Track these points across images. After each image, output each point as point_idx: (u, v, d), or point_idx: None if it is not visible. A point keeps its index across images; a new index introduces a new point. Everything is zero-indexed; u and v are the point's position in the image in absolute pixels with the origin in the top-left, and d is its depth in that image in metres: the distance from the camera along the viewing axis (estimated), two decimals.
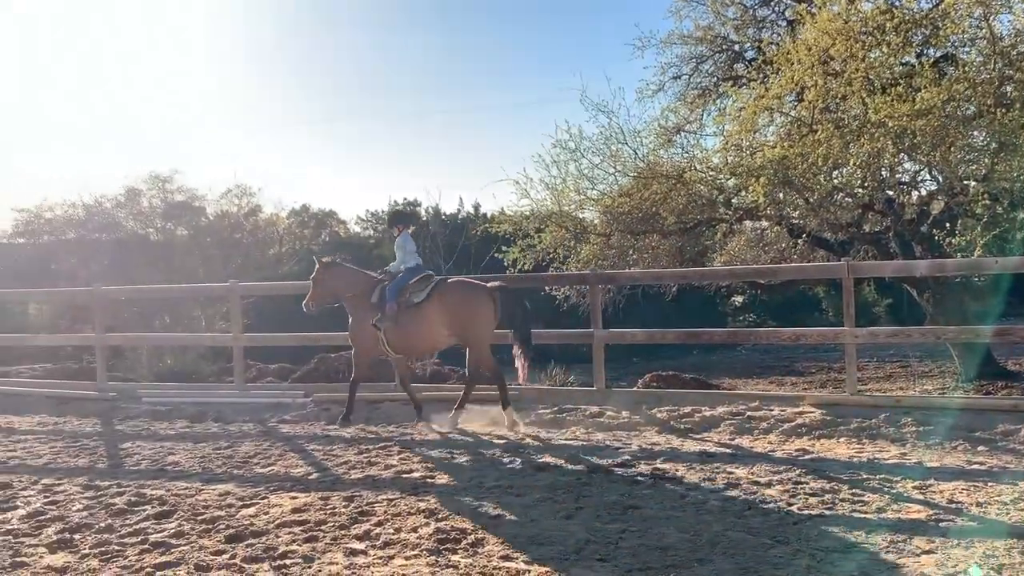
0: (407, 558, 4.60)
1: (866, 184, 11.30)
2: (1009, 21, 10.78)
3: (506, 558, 4.54)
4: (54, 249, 22.42)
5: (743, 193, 12.03)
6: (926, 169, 11.53)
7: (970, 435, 7.09)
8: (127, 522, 5.49)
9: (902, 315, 22.14)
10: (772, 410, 8.16)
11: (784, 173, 10.94)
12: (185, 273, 19.68)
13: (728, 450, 7.00)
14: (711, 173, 12.53)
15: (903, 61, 11.01)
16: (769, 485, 5.82)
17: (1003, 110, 9.74)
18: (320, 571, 4.46)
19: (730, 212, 12.60)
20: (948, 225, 11.07)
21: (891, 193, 12.03)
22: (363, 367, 8.79)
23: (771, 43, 12.54)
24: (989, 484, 5.67)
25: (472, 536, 4.91)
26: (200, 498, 6.01)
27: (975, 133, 10.45)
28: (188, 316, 19.94)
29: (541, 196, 13.67)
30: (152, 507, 5.80)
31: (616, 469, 6.40)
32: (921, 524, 4.88)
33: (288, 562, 4.61)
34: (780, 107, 11.87)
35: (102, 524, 5.45)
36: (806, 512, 5.19)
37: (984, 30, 10.52)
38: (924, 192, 12.23)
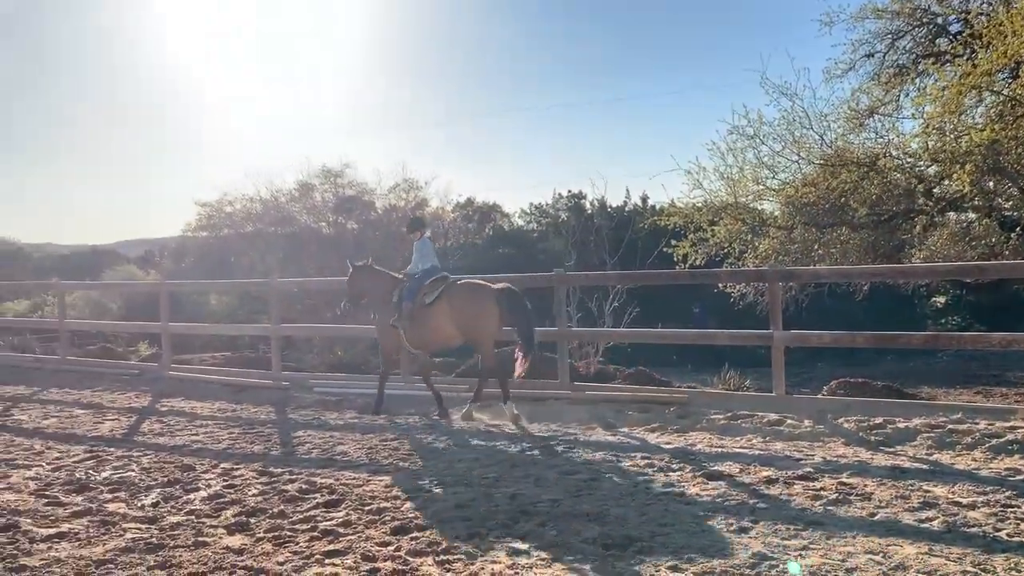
0: (570, 562, 4.64)
1: None
2: None
3: (675, 569, 4.47)
4: (233, 242, 24.19)
5: (946, 182, 11.24)
6: None
7: None
8: (298, 509, 5.86)
9: None
10: (978, 424, 7.56)
11: (995, 159, 10.12)
12: None
13: (925, 466, 6.56)
14: (909, 160, 11.78)
15: None
16: (973, 507, 5.40)
17: None
18: (483, 569, 4.58)
19: (931, 203, 11.79)
20: None
21: None
22: (388, 361, 9.94)
23: (980, 14, 11.62)
24: None
25: (638, 544, 4.87)
26: (367, 489, 6.31)
27: None
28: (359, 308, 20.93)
29: (715, 186, 13.37)
30: (321, 495, 6.16)
31: (796, 482, 6.16)
32: None
33: (451, 557, 4.76)
34: (990, 85, 10.97)
35: (275, 509, 5.84)
36: (1016, 539, 4.78)
37: None
38: None
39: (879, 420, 7.92)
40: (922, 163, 11.60)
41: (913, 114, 12.64)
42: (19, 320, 21.04)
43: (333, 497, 6.10)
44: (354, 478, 6.66)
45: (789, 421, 8.18)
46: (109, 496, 6.35)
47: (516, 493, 6.04)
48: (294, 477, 6.74)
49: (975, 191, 10.52)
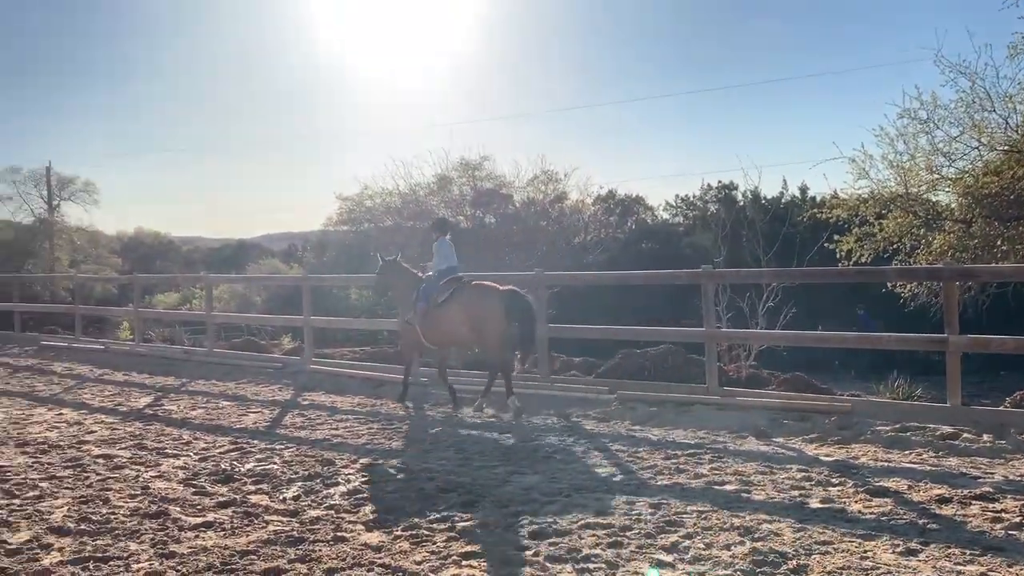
0: None
1: None
2: None
3: None
4: (373, 236, 25.07)
5: None
6: None
7: None
8: (435, 508, 6.01)
9: None
10: None
11: None
12: (493, 260, 21.01)
13: None
14: None
15: None
16: None
17: None
18: None
19: None
20: None
21: None
22: (408, 355, 10.90)
23: None
24: None
25: (794, 562, 4.72)
26: (504, 490, 6.40)
27: None
28: None
29: (883, 176, 12.78)
30: (459, 495, 6.30)
31: (973, 502, 5.80)
32: None
33: (591, 566, 4.77)
34: None
35: (413, 508, 6.02)
36: None
37: None
38: None
39: None
40: None
41: None
42: (169, 312, 22.57)
43: (470, 498, 6.22)
44: (491, 478, 6.77)
45: (965, 435, 7.72)
46: (252, 488, 6.72)
47: (660, 503, 5.97)
48: (431, 475, 6.92)
49: None
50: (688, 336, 11.14)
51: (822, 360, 19.50)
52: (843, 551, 4.90)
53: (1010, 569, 4.55)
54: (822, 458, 7.27)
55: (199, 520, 5.86)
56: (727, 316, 12.74)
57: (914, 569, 4.58)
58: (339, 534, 5.50)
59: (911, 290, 13.23)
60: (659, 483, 6.57)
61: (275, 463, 7.54)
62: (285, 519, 5.87)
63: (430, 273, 10.37)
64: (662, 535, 5.27)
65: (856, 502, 5.91)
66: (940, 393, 9.17)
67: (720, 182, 33.33)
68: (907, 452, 7.43)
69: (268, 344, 17.24)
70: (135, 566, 4.98)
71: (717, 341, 10.37)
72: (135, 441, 8.65)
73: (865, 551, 4.89)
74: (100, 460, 7.80)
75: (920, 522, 5.40)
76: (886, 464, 6.99)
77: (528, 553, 5.01)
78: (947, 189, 12.61)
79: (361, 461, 7.53)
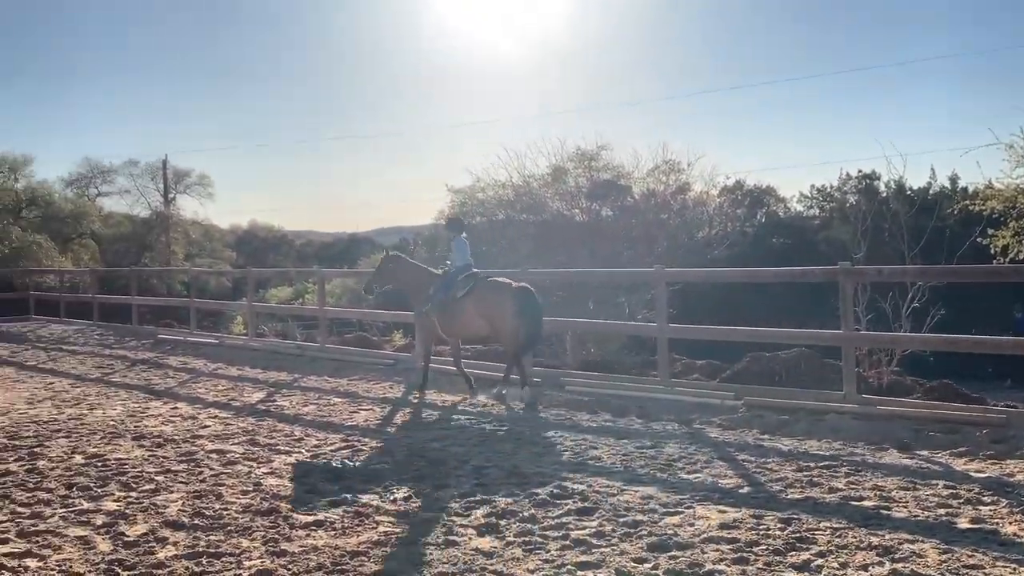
0: None
1: None
2: None
3: None
4: (484, 230, 25.27)
5: None
6: None
7: None
8: (549, 514, 6.03)
9: None
10: None
11: None
12: (609, 256, 20.90)
13: None
14: None
15: None
16: None
17: None
18: None
19: None
20: None
21: None
22: (426, 347, 12.03)
23: None
24: None
25: None
26: (622, 499, 6.37)
27: None
28: (612, 302, 21.16)
29: None
30: (574, 502, 6.30)
31: None
32: None
33: None
34: None
35: (526, 513, 6.06)
36: None
37: None
38: None
39: None
40: None
41: None
42: (282, 307, 23.38)
43: (586, 505, 6.22)
44: (608, 486, 6.74)
45: None
46: (363, 487, 6.90)
47: (791, 517, 5.83)
48: (545, 480, 6.94)
49: None
50: (823, 339, 10.80)
51: (973, 367, 18.62)
52: None
53: None
54: (972, 474, 6.94)
55: (310, 518, 6.06)
56: (867, 318, 12.28)
57: None
58: (450, 538, 5.58)
59: None
60: (789, 497, 6.41)
61: (386, 462, 7.72)
62: (395, 520, 6.00)
63: (452, 270, 11.52)
64: (792, 552, 5.14)
65: (1010, 523, 5.61)
66: None
67: (860, 171, 32.29)
68: None
69: (379, 340, 17.66)
70: (247, 563, 5.19)
71: (856, 345, 10.02)
72: (248, 437, 9.01)
73: None
74: (214, 455, 8.16)
75: None
76: None
77: (647, 566, 4.97)
78: None
79: (472, 463, 7.62)
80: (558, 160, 24.36)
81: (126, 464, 7.80)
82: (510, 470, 7.31)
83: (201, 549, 5.45)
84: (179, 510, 6.32)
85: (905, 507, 6.05)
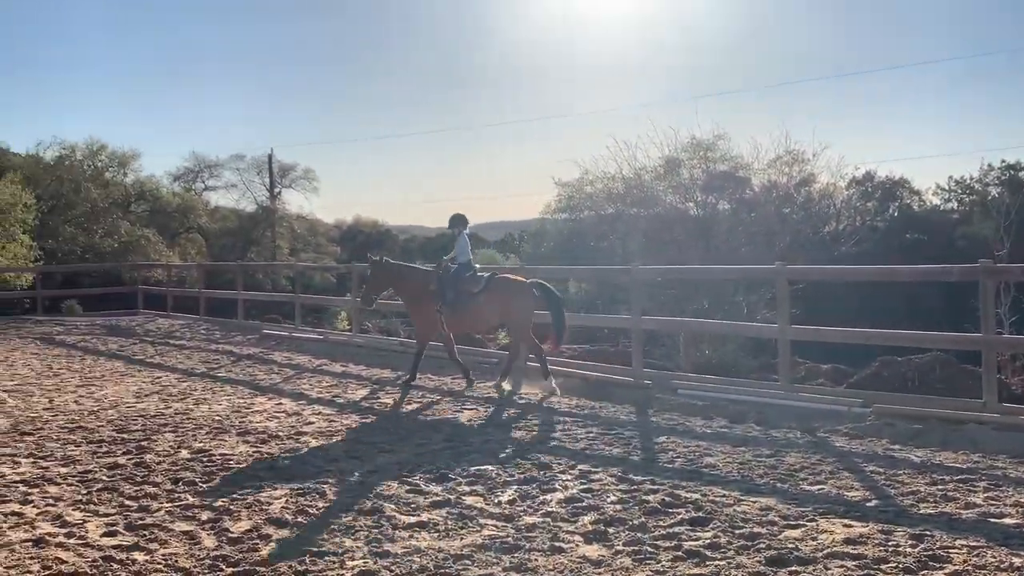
0: None
1: None
2: None
3: None
4: (593, 224, 25.23)
5: None
6: None
7: None
8: (660, 523, 6.00)
9: None
10: None
11: None
12: (726, 252, 20.58)
13: None
14: None
15: None
16: None
17: None
18: None
19: None
20: None
21: None
22: (422, 344, 12.71)
23: None
24: None
25: None
26: (739, 509, 6.28)
27: None
28: (729, 301, 20.84)
29: None
30: (687, 511, 6.25)
31: None
32: None
33: None
34: None
35: (635, 521, 6.04)
36: None
37: None
38: None
39: None
40: None
41: None
42: (386, 303, 23.81)
43: (699, 515, 6.16)
44: (724, 495, 6.66)
45: None
46: (467, 489, 6.99)
47: (923, 534, 5.64)
48: (656, 487, 6.90)
49: None
50: (961, 343, 10.39)
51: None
52: None
53: None
54: None
55: (413, 520, 6.18)
56: (1010, 320, 11.78)
57: None
58: (556, 544, 5.61)
59: None
60: (922, 511, 6.20)
61: (490, 464, 7.80)
62: (500, 524, 6.06)
63: (452, 266, 12.17)
64: (924, 571, 4.98)
65: None
66: None
67: (1003, 161, 30.93)
68: None
69: (483, 338, 17.82)
70: (349, 563, 5.33)
71: (997, 350, 9.61)
72: (352, 435, 9.23)
73: None
74: (317, 452, 8.39)
75: None
76: None
77: None
78: None
79: (580, 467, 7.63)
80: (671, 151, 24.06)
81: (231, 459, 8.10)
82: (619, 476, 7.29)
83: (304, 548, 5.62)
84: (283, 507, 6.53)
85: None
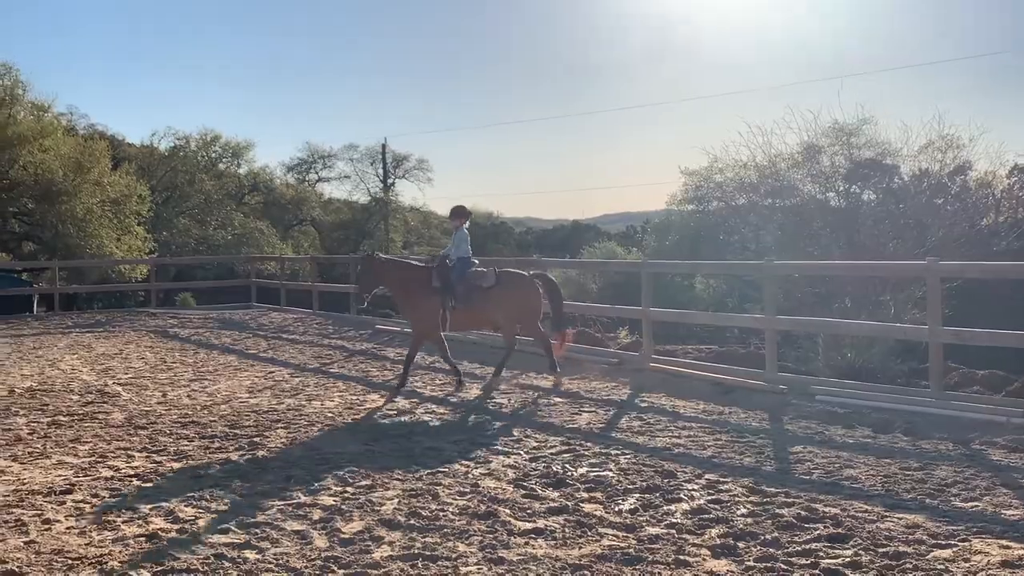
0: None
1: None
2: None
3: None
4: (723, 216, 24.82)
5: None
6: None
7: None
8: (795, 539, 5.86)
9: None
10: None
11: None
12: (871, 247, 19.94)
13: None
14: None
15: None
16: None
17: None
18: None
19: None
20: None
21: None
22: (418, 344, 12.89)
23: None
24: None
25: None
26: (882, 526, 6.09)
27: None
28: (873, 300, 20.19)
29: None
30: (824, 527, 6.09)
31: None
32: None
33: None
34: None
35: (768, 536, 5.92)
36: None
37: None
38: None
39: None
40: None
41: None
42: None
43: (838, 531, 6.00)
44: (865, 511, 6.46)
45: None
46: (585, 495, 6.98)
47: None
48: (790, 500, 6.75)
49: None
50: None
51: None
52: None
53: None
54: None
55: (529, 526, 6.20)
56: None
57: None
58: (681, 557, 5.55)
59: None
60: None
61: (610, 470, 7.77)
62: (621, 534, 6.03)
63: (452, 260, 12.38)
64: None
65: None
66: None
67: None
68: None
69: (603, 337, 17.77)
70: (463, 569, 5.39)
71: None
72: (465, 435, 9.34)
73: None
74: (429, 452, 8.53)
75: None
76: None
77: None
78: None
79: (707, 476, 7.53)
80: (810, 136, 23.45)
81: (342, 457, 8.30)
82: (750, 487, 7.16)
83: (417, 551, 5.72)
84: (395, 508, 6.66)
85: None
